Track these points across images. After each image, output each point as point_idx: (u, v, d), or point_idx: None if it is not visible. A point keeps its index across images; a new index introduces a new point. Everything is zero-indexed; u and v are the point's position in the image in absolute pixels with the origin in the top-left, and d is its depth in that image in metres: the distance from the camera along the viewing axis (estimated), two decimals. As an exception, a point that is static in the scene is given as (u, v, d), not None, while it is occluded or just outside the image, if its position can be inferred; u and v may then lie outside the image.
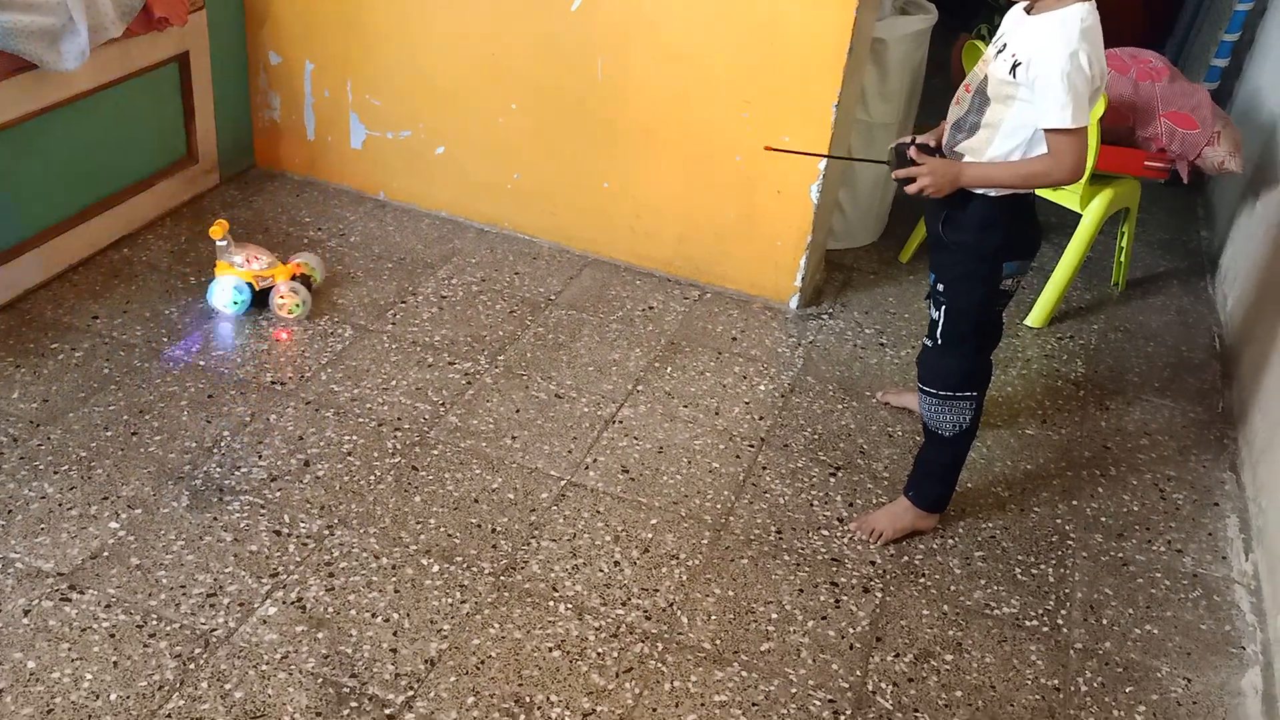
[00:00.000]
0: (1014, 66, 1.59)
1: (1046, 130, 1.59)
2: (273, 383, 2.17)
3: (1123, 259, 2.84)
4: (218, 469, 1.93)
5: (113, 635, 1.61)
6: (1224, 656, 1.77)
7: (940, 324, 1.80)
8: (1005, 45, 1.64)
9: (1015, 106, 1.62)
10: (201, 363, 2.20)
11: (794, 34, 2.35)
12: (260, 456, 1.98)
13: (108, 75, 2.43)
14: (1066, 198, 2.61)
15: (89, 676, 1.54)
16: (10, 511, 1.80)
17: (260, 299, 2.38)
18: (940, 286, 1.78)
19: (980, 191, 1.69)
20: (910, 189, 1.68)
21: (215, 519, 1.83)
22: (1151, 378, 2.50)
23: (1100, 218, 2.59)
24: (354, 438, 2.05)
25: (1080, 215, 2.61)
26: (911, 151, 1.70)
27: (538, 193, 2.76)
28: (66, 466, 1.90)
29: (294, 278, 2.39)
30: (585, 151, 2.66)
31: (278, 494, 1.89)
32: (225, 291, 2.35)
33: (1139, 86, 2.57)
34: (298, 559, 1.76)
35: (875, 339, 2.55)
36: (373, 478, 1.96)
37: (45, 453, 1.93)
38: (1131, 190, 2.69)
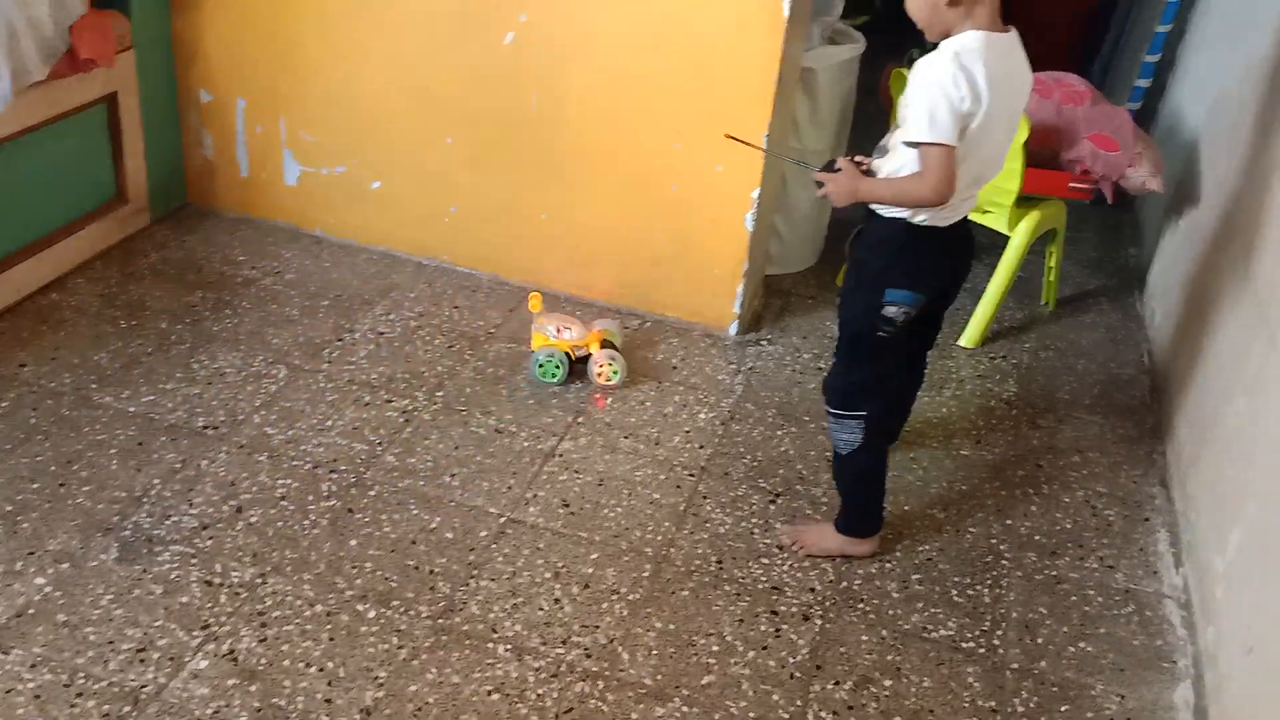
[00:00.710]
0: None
1: (917, 146, 1.63)
2: (204, 428, 2.14)
3: (1052, 278, 2.89)
4: (147, 519, 1.90)
5: (38, 696, 1.57)
6: (1156, 671, 1.80)
7: (840, 340, 1.88)
8: None
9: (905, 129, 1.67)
10: (131, 409, 2.17)
11: (723, 65, 2.37)
12: (191, 504, 1.94)
13: (33, 118, 2.40)
14: (995, 220, 2.65)
15: (14, 739, 1.50)
16: (-69, 570, 1.75)
17: (575, 367, 2.41)
18: (839, 301, 1.88)
19: (881, 212, 1.74)
20: (819, 192, 1.77)
21: (145, 571, 1.79)
22: (1082, 395, 2.55)
23: (1028, 239, 2.63)
24: (288, 481, 2.02)
25: (1009, 237, 2.66)
26: (840, 161, 1.76)
27: (476, 225, 2.76)
28: (-10, 521, 1.86)
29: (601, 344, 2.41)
30: (522, 183, 2.66)
31: (209, 543, 1.86)
32: (545, 361, 2.37)
33: (1062, 110, 2.63)
34: (229, 609, 1.74)
35: (813, 363, 2.57)
36: (307, 522, 1.93)
37: (-32, 507, 1.88)
38: (1058, 211, 2.75)
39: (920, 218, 1.71)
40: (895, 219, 1.73)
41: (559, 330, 2.39)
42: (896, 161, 1.70)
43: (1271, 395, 1.78)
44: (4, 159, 2.37)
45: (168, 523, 1.90)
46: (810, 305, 2.82)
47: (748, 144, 2.01)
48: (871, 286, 1.77)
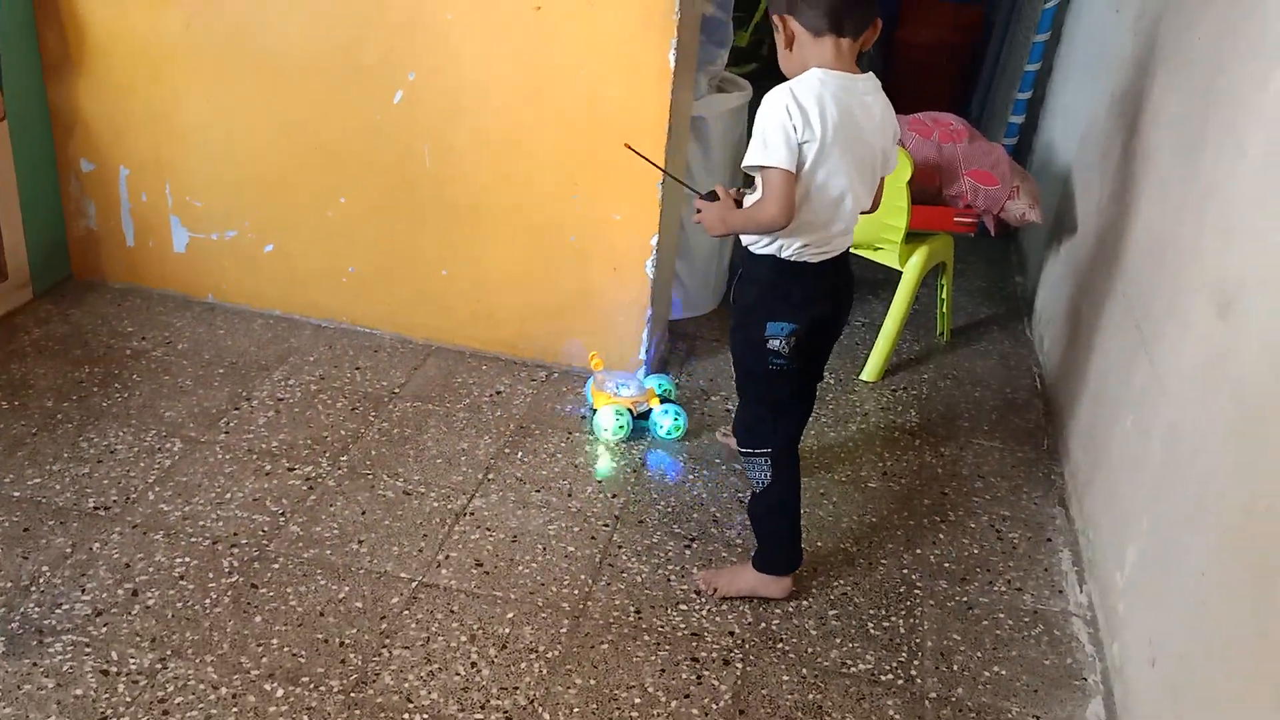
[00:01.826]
0: None
1: (756, 171, 1.69)
2: (95, 509, 2.05)
3: (945, 310, 2.98)
4: (36, 609, 1.81)
5: (-80, 808, 1.47)
6: (1068, 690, 1.84)
7: (736, 378, 1.93)
8: None
9: None
10: (16, 494, 2.07)
11: (614, 116, 2.40)
12: (83, 590, 1.86)
13: (-103, 195, 2.30)
14: (886, 256, 2.72)
15: None
16: None
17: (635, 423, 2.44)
18: (730, 341, 1.92)
19: (753, 249, 1.78)
20: (695, 218, 1.82)
21: (35, 664, 1.70)
22: (981, 421, 2.62)
23: (919, 273, 2.71)
24: (186, 560, 1.95)
25: (901, 271, 2.73)
26: (718, 188, 1.81)
27: (375, 283, 2.72)
28: None
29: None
30: (420, 239, 2.64)
31: (104, 630, 1.78)
32: (610, 419, 2.40)
33: (942, 148, 2.72)
34: (128, 699, 1.65)
35: (721, 405, 2.59)
36: (208, 601, 1.86)
37: None
38: (945, 245, 2.83)
39: (788, 253, 1.74)
40: (766, 255, 1.77)
41: (618, 388, 2.44)
42: (754, 196, 1.75)
43: (1154, 413, 1.86)
44: None
45: (59, 611, 1.81)
46: (715, 348, 2.85)
47: (645, 158, 2.01)
48: (753, 322, 1.80)
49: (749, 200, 1.77)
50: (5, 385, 2.40)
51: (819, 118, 1.64)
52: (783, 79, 1.71)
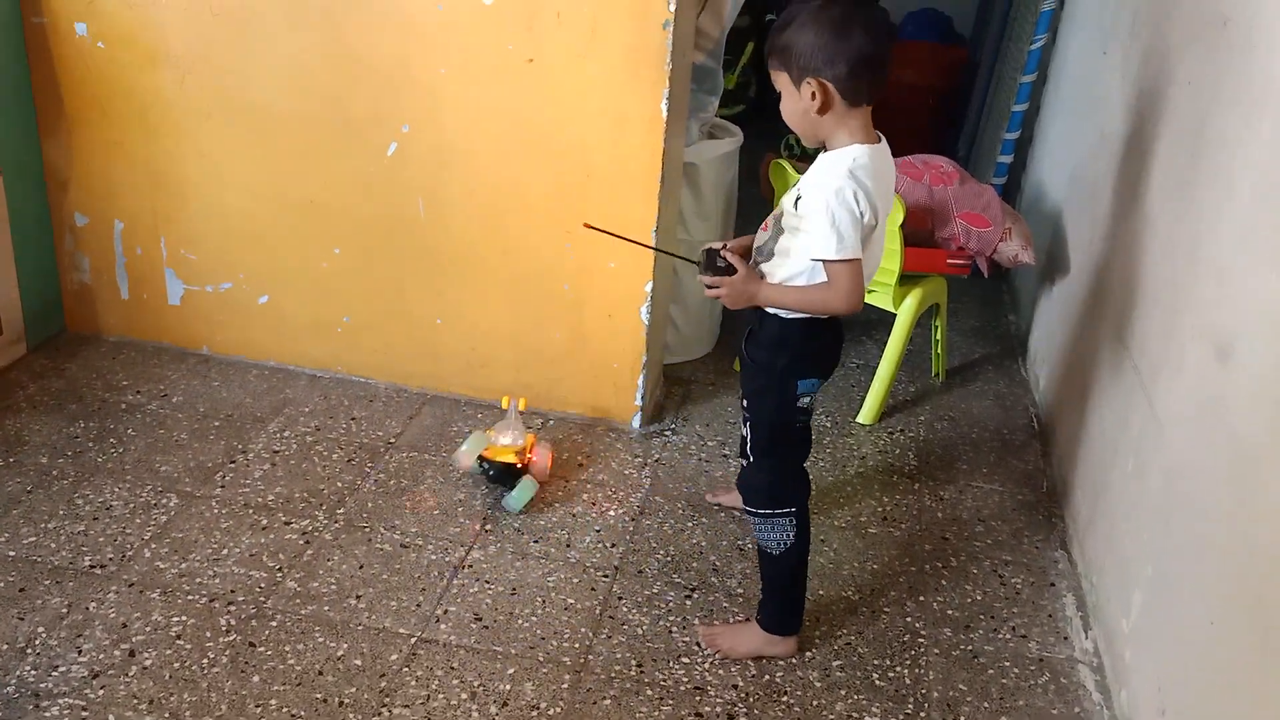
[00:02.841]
0: (796, 200, 1.68)
1: (824, 260, 1.66)
2: (91, 567, 2.03)
3: (939, 351, 2.98)
4: (32, 672, 1.78)
5: None
6: (1076, 738, 1.83)
7: (749, 440, 1.86)
8: (800, 179, 1.73)
9: (800, 236, 1.70)
10: (11, 553, 2.05)
11: (607, 165, 2.41)
12: (80, 652, 1.83)
13: (-109, 253, 2.30)
14: (880, 299, 2.73)
15: None
16: None
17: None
18: (745, 403, 1.85)
19: (774, 312, 1.76)
20: (710, 293, 1.75)
21: (30, 730, 1.68)
22: (979, 464, 2.62)
23: (913, 315, 2.72)
24: (183, 618, 1.93)
25: (895, 313, 2.74)
26: (726, 253, 1.76)
27: (369, 333, 2.72)
28: None
29: None
30: (414, 289, 2.65)
31: (101, 692, 1.75)
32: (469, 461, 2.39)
33: (933, 191, 2.74)
34: (126, 764, 1.63)
35: (718, 451, 2.58)
36: (206, 661, 1.84)
37: None
38: (939, 287, 2.85)
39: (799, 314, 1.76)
40: (788, 319, 1.76)
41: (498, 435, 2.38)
42: (793, 266, 1.72)
43: (1154, 458, 1.86)
44: None
45: (55, 674, 1.78)
46: (710, 391, 2.85)
47: (610, 234, 1.98)
48: (781, 383, 1.79)
49: (777, 274, 1.73)
50: (2, 441, 2.38)
51: (878, 198, 1.65)
52: (775, 119, 1.71)
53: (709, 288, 1.76)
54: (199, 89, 2.56)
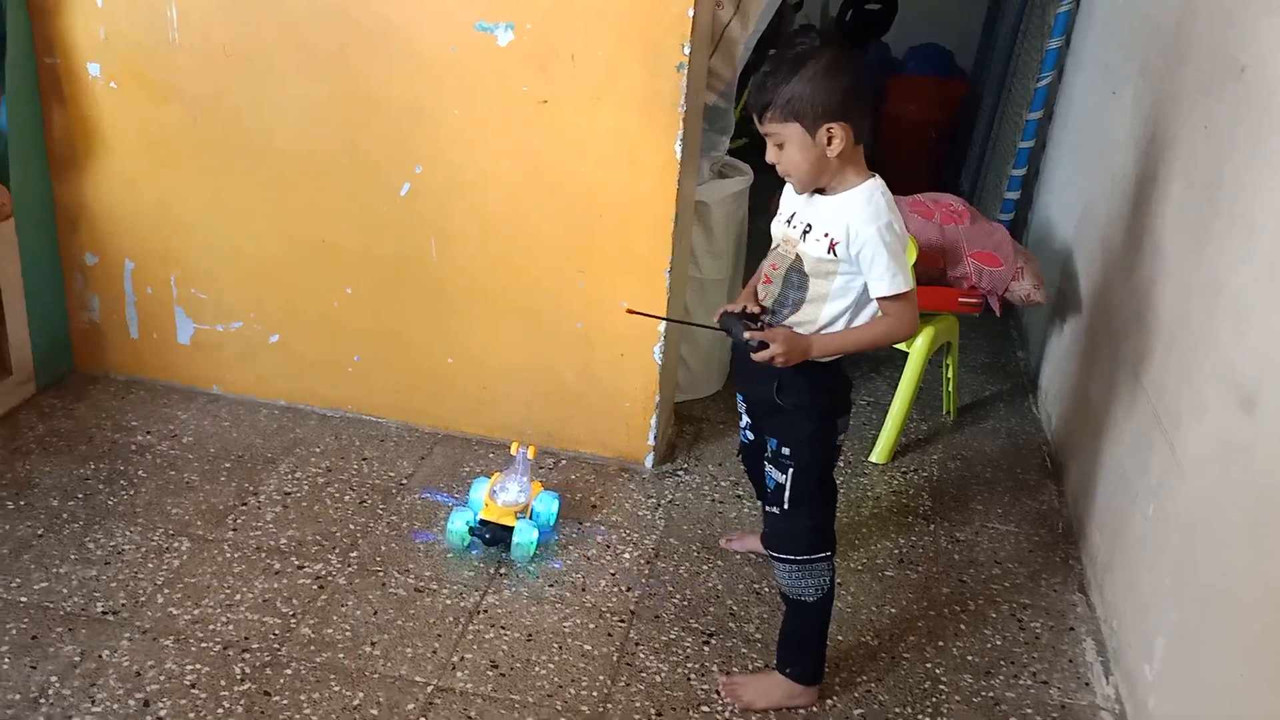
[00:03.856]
0: (831, 246, 1.68)
1: (881, 298, 1.68)
2: (104, 613, 2.01)
3: (951, 389, 2.98)
4: (45, 723, 1.76)
5: None
6: (1101, 787, 1.81)
7: (787, 488, 1.82)
8: (809, 226, 1.72)
9: (837, 280, 1.70)
10: (23, 599, 2.03)
11: (619, 205, 2.42)
12: (94, 701, 1.81)
13: (-97, 295, 2.29)
14: (894, 337, 2.73)
15: None
16: None
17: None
18: (786, 450, 1.82)
19: (822, 359, 1.75)
20: (760, 356, 1.71)
21: (44, 784, 1.66)
22: (994, 504, 2.60)
23: (926, 354, 2.72)
24: (197, 666, 1.91)
25: (907, 353, 2.74)
26: (765, 330, 1.75)
27: (380, 373, 2.71)
28: None
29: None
30: (425, 328, 2.64)
31: (116, 744, 1.73)
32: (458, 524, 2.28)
33: (944, 230, 2.75)
34: (142, 819, 1.61)
35: (731, 491, 2.57)
36: (221, 710, 1.82)
37: None
38: (950, 326, 2.85)
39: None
40: (826, 362, 1.77)
41: (501, 490, 2.27)
42: (833, 310, 1.73)
43: (1176, 504, 1.85)
44: (-126, 340, 2.24)
45: (67, 726, 1.76)
46: (721, 430, 2.84)
47: (653, 316, 2.02)
48: (825, 425, 1.82)
49: (820, 318, 1.73)
50: (10, 484, 2.37)
51: (904, 226, 1.72)
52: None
53: (755, 350, 1.71)
54: (210, 129, 2.56)
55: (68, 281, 2.78)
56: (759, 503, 2.26)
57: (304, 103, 2.49)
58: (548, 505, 2.31)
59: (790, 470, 1.81)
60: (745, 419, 2.03)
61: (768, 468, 1.85)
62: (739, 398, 2.03)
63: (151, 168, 2.63)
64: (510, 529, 2.21)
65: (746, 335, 1.71)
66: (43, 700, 1.81)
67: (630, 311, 1.97)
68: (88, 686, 1.85)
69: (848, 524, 2.47)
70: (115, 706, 1.81)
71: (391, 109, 2.45)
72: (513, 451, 2.28)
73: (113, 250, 2.73)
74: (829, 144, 1.65)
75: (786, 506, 1.83)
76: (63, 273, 2.77)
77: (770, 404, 1.82)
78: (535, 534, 2.23)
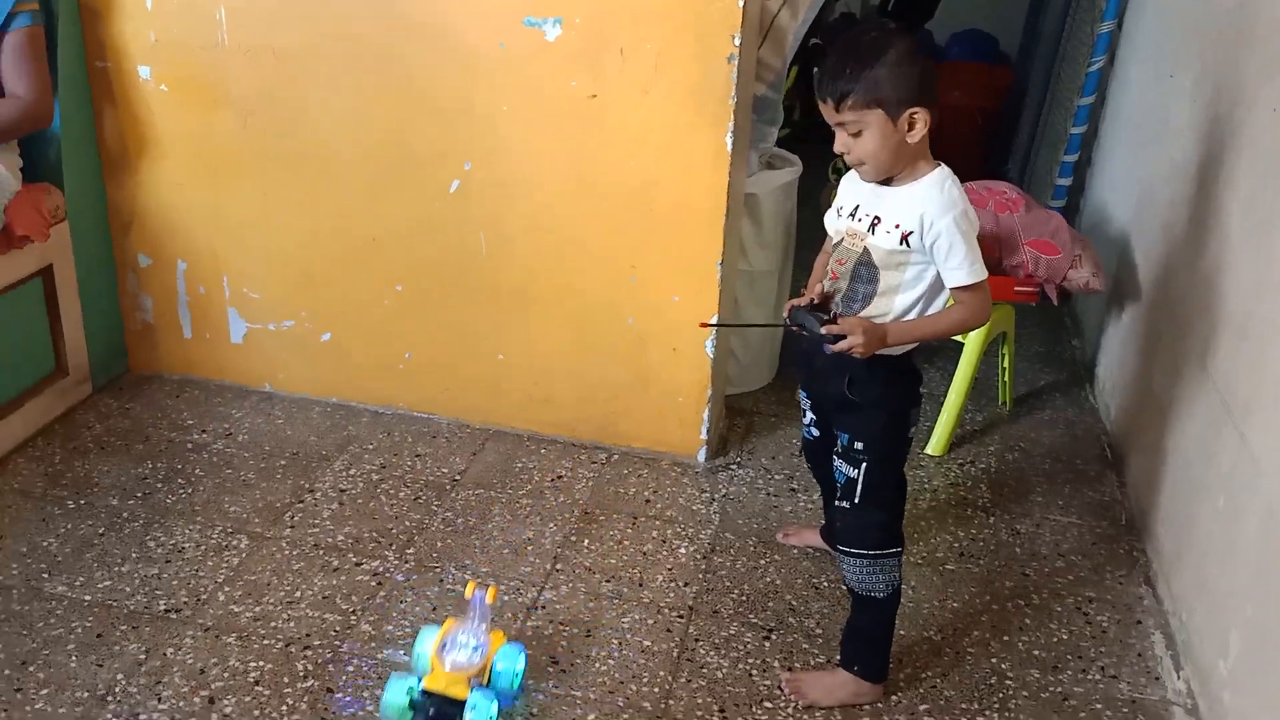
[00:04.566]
0: (904, 237, 1.66)
1: (957, 288, 1.66)
2: (167, 611, 2.03)
3: (1007, 379, 2.94)
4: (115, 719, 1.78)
5: None
6: (1175, 784, 1.77)
7: (860, 482, 1.80)
8: (877, 218, 1.70)
9: (909, 269, 1.69)
10: (87, 598, 2.05)
11: (670, 200, 2.40)
12: (160, 699, 1.83)
13: (-34, 299, 2.32)
14: (949, 328, 2.69)
15: None
16: (-123, 805, 1.61)
17: None
18: (859, 445, 1.80)
19: (884, 350, 1.73)
20: (839, 347, 1.69)
21: (115, 781, 1.67)
22: (1054, 495, 2.56)
23: (982, 344, 2.68)
24: (260, 663, 1.92)
25: (962, 344, 2.70)
26: (838, 314, 1.75)
27: (431, 370, 2.72)
28: (-60, 741, 1.72)
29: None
30: (476, 324, 2.64)
31: (184, 742, 1.75)
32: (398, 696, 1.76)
33: (999, 219, 2.70)
34: (212, 816, 1.62)
35: (786, 485, 2.55)
36: (285, 707, 1.83)
37: (-86, 726, 1.75)
38: (1006, 315, 2.81)
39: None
40: (899, 354, 1.76)
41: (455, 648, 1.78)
42: (906, 300, 1.71)
43: (1250, 496, 1.80)
44: (-62, 343, 2.28)
45: (136, 722, 1.78)
46: (773, 424, 2.81)
47: (727, 325, 2.01)
48: (904, 417, 1.81)
49: (894, 309, 1.72)
50: (71, 484, 2.39)
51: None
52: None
53: (830, 343, 1.69)
54: (261, 129, 2.57)
55: (121, 283, 2.81)
56: (820, 498, 2.25)
57: (353, 101, 2.50)
58: (511, 663, 1.80)
59: (863, 465, 1.79)
60: (809, 415, 2.01)
61: (837, 463, 1.83)
62: (802, 395, 2.01)
63: (202, 169, 2.64)
64: (461, 704, 1.71)
65: (823, 329, 1.69)
66: (110, 698, 1.82)
67: (705, 325, 1.96)
68: (154, 684, 1.86)
69: (906, 517, 2.42)
70: (181, 704, 1.82)
71: (440, 106, 2.45)
72: (467, 594, 1.77)
73: (165, 251, 2.75)
74: (910, 130, 1.63)
75: (858, 501, 1.80)
76: (116, 274, 2.80)
77: (841, 399, 1.80)
78: (495, 707, 1.71)
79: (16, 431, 2.51)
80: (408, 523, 2.33)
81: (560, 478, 2.53)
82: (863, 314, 1.74)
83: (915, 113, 1.62)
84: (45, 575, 2.10)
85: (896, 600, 1.85)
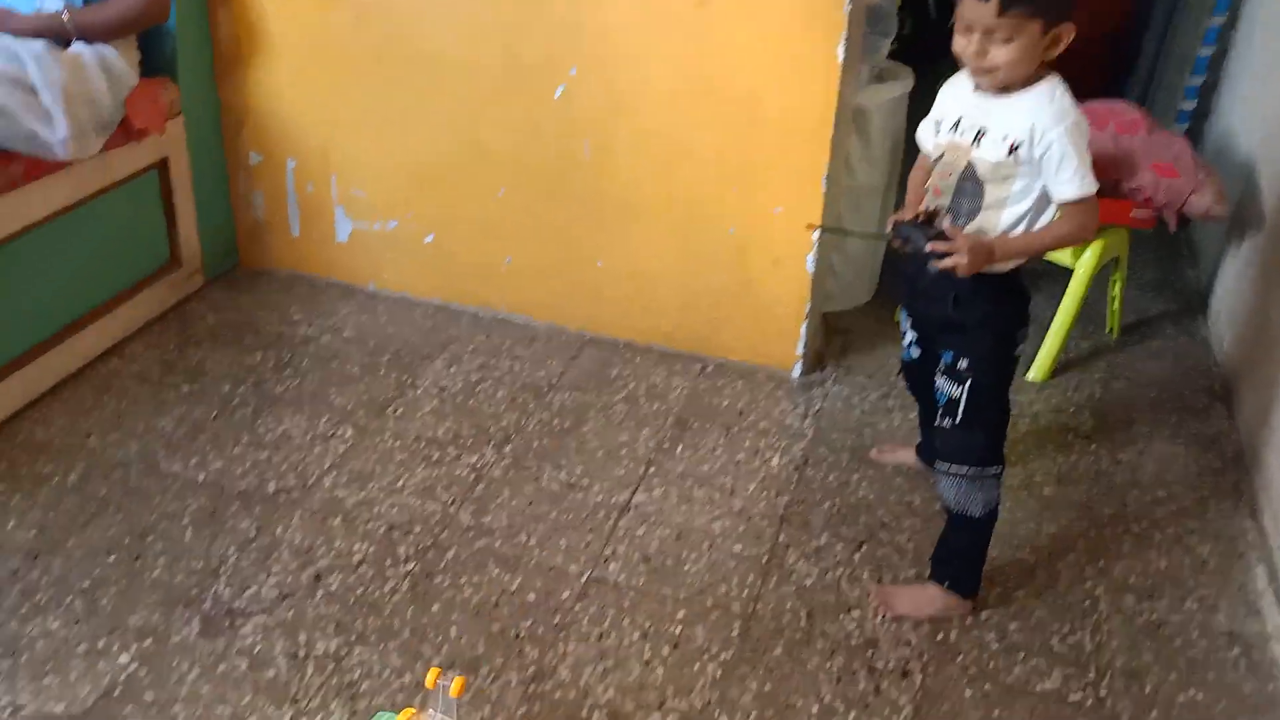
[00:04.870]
0: (1012, 148, 1.61)
1: (1066, 201, 1.61)
2: (275, 493, 2.12)
3: (1116, 306, 2.85)
4: (226, 590, 1.87)
5: (132, 780, 1.54)
6: (1271, 718, 1.74)
7: (963, 400, 1.77)
8: (982, 130, 1.65)
9: (1017, 182, 1.64)
10: (200, 477, 2.15)
11: (776, 110, 2.35)
12: (269, 574, 1.92)
13: (87, 189, 2.40)
14: (1057, 252, 2.61)
15: (109, 827, 1.47)
16: (15, 653, 1.72)
17: None
18: (964, 364, 1.77)
19: (1001, 268, 1.69)
20: (944, 264, 1.65)
21: (229, 645, 1.76)
22: (1159, 425, 2.49)
23: (1093, 269, 2.59)
24: (364, 546, 1.99)
25: (1070, 268, 2.62)
26: (946, 227, 1.70)
27: (531, 274, 2.74)
28: (70, 599, 1.83)
29: None
30: (577, 230, 2.65)
31: (290, 613, 1.83)
32: None
33: (1119, 139, 2.59)
34: (317, 682, 1.70)
35: (881, 403, 2.53)
36: (388, 588, 1.90)
37: (46, 585, 1.86)
38: (1120, 239, 2.71)
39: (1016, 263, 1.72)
40: (1007, 272, 1.72)
41: None
42: (1013, 214, 1.67)
43: (1377, 427, 1.73)
44: (61, 230, 2.36)
45: (247, 593, 1.87)
46: (871, 342, 2.78)
47: (833, 230, 1.97)
48: (1010, 338, 1.77)
49: (1001, 222, 1.67)
50: (184, 370, 2.49)
51: None
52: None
53: (938, 259, 1.66)
54: (372, 31, 2.58)
55: (233, 179, 2.88)
56: (916, 417, 2.22)
57: (462, 6, 2.49)
58: None
59: (968, 384, 1.77)
60: (911, 335, 1.98)
61: (940, 381, 1.81)
62: (903, 315, 1.98)
63: (314, 69, 2.67)
64: None
65: (929, 246, 1.66)
66: (222, 570, 1.92)
67: (812, 228, 1.93)
68: (263, 559, 1.95)
69: (1005, 441, 2.40)
70: (289, 579, 1.91)
71: (548, 12, 2.43)
72: (429, 684, 1.43)
73: (276, 149, 2.80)
74: (1055, 45, 1.59)
75: (959, 421, 1.78)
76: (228, 170, 2.86)
77: (945, 319, 1.77)
78: None
79: (132, 319, 2.61)
80: (505, 421, 2.38)
81: (655, 385, 2.55)
82: (969, 228, 1.70)
83: (1064, 29, 1.57)
84: (162, 454, 2.20)
85: (993, 520, 1.84)
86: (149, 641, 1.76)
